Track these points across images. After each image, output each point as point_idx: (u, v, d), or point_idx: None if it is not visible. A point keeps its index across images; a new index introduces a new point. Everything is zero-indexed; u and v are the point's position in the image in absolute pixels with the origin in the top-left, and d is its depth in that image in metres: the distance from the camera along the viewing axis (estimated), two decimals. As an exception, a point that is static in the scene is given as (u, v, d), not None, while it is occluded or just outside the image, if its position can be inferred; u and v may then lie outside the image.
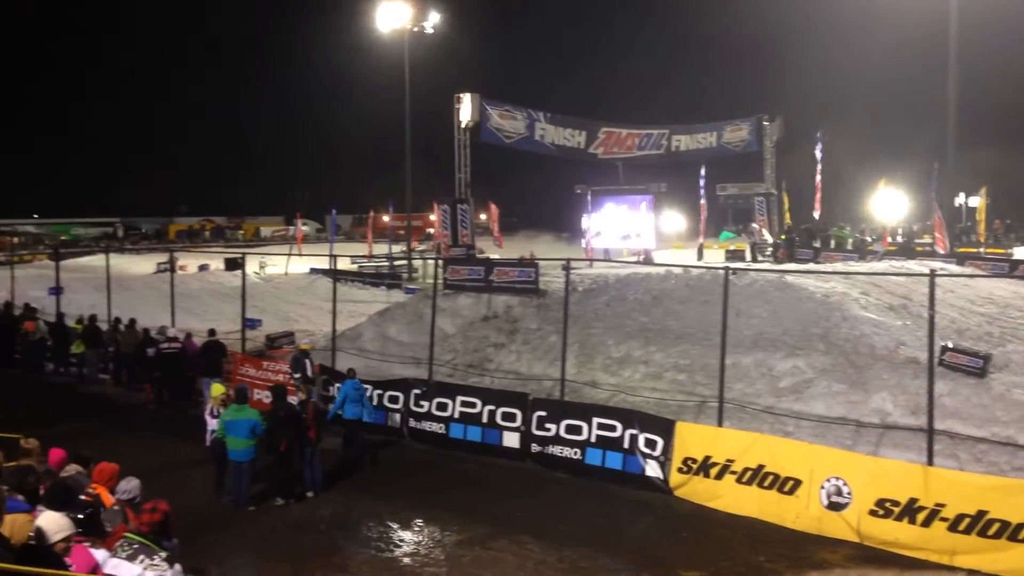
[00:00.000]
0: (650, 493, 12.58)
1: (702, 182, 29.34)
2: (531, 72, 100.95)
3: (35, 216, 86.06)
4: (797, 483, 11.31)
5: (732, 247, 37.16)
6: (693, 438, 12.51)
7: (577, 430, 13.61)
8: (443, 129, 28.32)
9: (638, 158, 32.87)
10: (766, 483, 11.57)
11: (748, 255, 34.00)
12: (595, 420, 13.49)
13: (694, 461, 12.29)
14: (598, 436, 13.38)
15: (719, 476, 12.01)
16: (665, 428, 12.78)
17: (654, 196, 36.26)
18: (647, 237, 35.24)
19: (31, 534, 5.39)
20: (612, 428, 13.25)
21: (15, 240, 70.13)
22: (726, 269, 14.18)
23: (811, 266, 24.19)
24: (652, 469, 12.73)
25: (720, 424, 12.72)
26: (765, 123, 35.62)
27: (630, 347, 16.59)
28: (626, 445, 13.04)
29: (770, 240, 34.02)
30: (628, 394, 15.16)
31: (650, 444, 12.79)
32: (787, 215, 36.14)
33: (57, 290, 24.67)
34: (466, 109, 26.46)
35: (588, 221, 36.93)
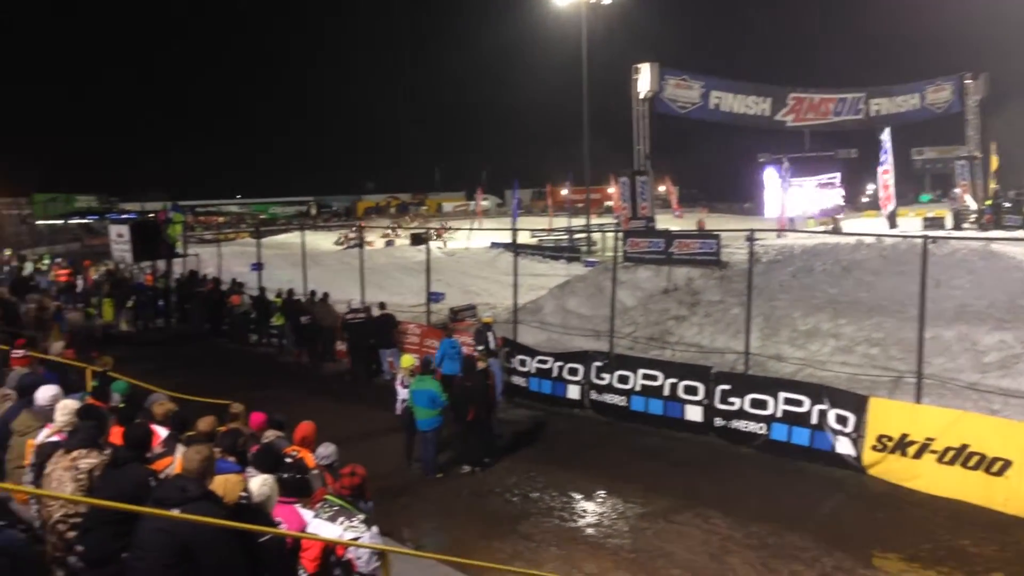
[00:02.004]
0: (840, 471, 12.10)
1: (884, 144, 27.59)
2: (711, 39, 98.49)
3: (238, 196, 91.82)
4: (1007, 464, 10.56)
5: (931, 214, 35.01)
6: (889, 415, 11.92)
7: (762, 404, 13.25)
8: (621, 100, 28.05)
9: (834, 124, 31.29)
10: (971, 463, 10.88)
11: (950, 222, 32.01)
12: (781, 395, 13.08)
13: (889, 439, 11.71)
14: (784, 411, 12.97)
15: (917, 455, 11.39)
16: (857, 404, 12.24)
17: (844, 163, 34.69)
18: (836, 205, 33.77)
19: (243, 493, 5.74)
20: (799, 403, 12.82)
21: (220, 219, 75.15)
22: (924, 238, 13.36)
23: (1020, 233, 22.51)
24: (843, 446, 12.23)
25: (918, 401, 12.07)
26: (967, 81, 33.28)
27: (818, 320, 16.00)
28: (814, 421, 12.58)
29: (974, 206, 31.85)
30: (816, 368, 14.64)
31: (841, 420, 12.29)
32: (992, 179, 33.67)
33: (258, 266, 26.17)
34: (644, 79, 26.06)
35: (772, 190, 35.74)
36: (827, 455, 12.37)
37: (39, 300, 23.65)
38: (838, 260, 18.83)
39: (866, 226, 32.84)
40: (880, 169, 29.02)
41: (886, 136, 28.30)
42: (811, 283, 17.95)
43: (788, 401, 12.96)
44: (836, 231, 28.97)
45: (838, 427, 12.30)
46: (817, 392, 12.79)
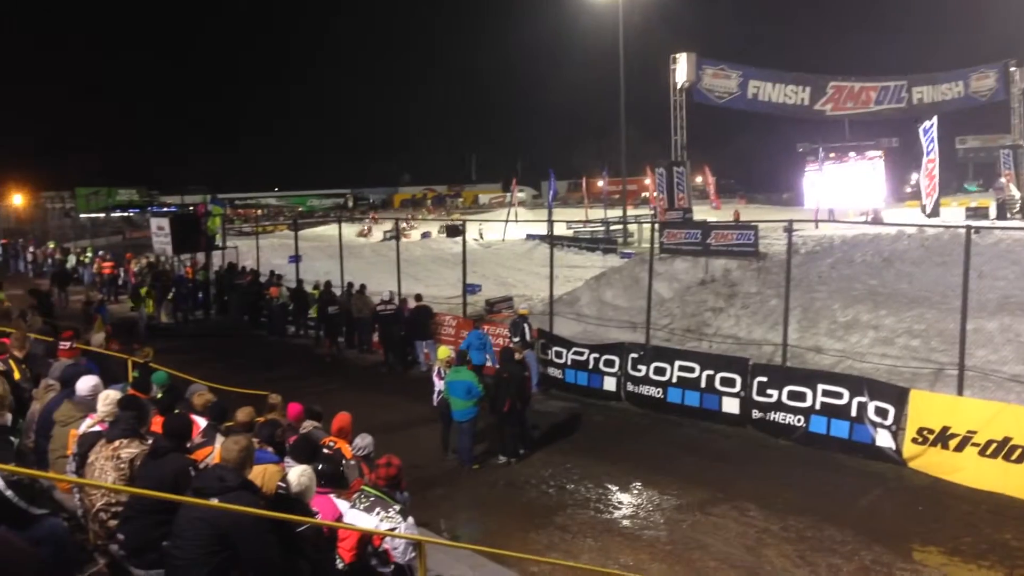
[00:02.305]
0: (880, 464, 11.94)
1: (924, 132, 27.07)
2: (748, 29, 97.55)
3: (276, 189, 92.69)
4: (1050, 458, 10.38)
5: (974, 204, 34.43)
6: (929, 407, 11.75)
7: (800, 397, 13.12)
8: (658, 92, 27.92)
9: (875, 113, 30.75)
10: (1013, 456, 10.69)
11: (993, 212, 31.46)
12: (820, 387, 12.94)
13: (930, 431, 11.55)
14: (823, 403, 12.83)
15: (959, 448, 11.22)
16: (897, 396, 12.07)
17: (884, 152, 34.19)
18: (876, 196, 33.28)
19: (281, 484, 5.81)
20: (838, 395, 12.67)
21: (259, 212, 75.91)
22: (967, 227, 13.11)
23: (1066, 223, 22.06)
24: (882, 439, 12.08)
25: (960, 393, 11.87)
26: (1012, 69, 32.61)
27: (857, 311, 15.83)
28: (854, 413, 12.43)
29: (1018, 195, 31.25)
30: (856, 360, 14.47)
31: (880, 413, 12.13)
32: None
33: (296, 258, 26.37)
34: (682, 69, 25.89)
35: (811, 180, 35.36)
36: (866, 448, 12.22)
37: (85, 293, 24.05)
38: (879, 251, 18.63)
39: (907, 216, 32.39)
40: (925, 159, 28.54)
41: (931, 125, 27.77)
42: (851, 274, 17.76)
43: (827, 393, 12.81)
44: (877, 221, 28.60)
45: (878, 419, 12.15)
46: (857, 384, 12.63)
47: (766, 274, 18.34)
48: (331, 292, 22.43)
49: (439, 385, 13.51)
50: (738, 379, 14.00)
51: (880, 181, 34.29)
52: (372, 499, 6.63)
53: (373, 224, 56.46)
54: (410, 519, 6.58)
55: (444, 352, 14.14)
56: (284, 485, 5.83)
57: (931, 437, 11.53)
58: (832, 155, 35.46)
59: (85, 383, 7.74)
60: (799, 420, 13.09)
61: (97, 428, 6.86)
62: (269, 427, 7.74)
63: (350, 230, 54.45)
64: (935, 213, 28.83)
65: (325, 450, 7.78)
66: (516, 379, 12.86)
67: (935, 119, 27.65)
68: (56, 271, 32.66)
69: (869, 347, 14.79)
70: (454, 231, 46.72)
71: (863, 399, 12.34)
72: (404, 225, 55.19)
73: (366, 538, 6.32)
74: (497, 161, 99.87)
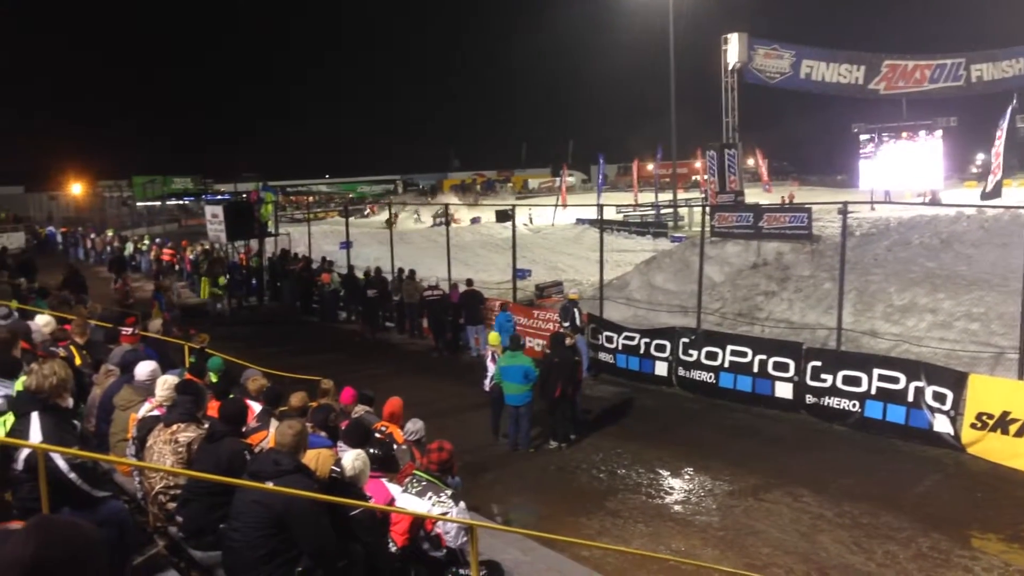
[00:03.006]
0: (937, 449, 11.74)
1: (1010, 112, 26.22)
2: (801, 6, 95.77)
3: (327, 176, 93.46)
4: (1115, 444, 10.12)
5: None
6: (989, 392, 11.50)
7: (855, 381, 12.93)
8: (709, 73, 27.60)
9: (931, 92, 30.01)
10: (1077, 443, 10.45)
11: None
12: (875, 371, 12.74)
13: (990, 417, 11.31)
14: (879, 388, 12.64)
15: (1019, 433, 10.98)
16: (956, 381, 11.84)
17: (943, 132, 33.32)
18: (934, 177, 32.46)
19: (335, 468, 5.88)
20: (895, 380, 12.46)
21: (310, 199, 76.61)
22: (1028, 208, 12.79)
23: None
24: (940, 424, 11.86)
25: (1021, 377, 11.61)
26: (1077, 43, 31.63)
27: (914, 294, 15.52)
28: (910, 398, 12.22)
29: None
30: (912, 344, 14.22)
31: (938, 397, 11.91)
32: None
33: (347, 244, 26.59)
34: (733, 50, 25.56)
35: (867, 162, 34.64)
36: (924, 433, 12.02)
37: (159, 282, 24.59)
38: (936, 233, 18.25)
39: (967, 198, 31.62)
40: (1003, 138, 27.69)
41: (1014, 104, 26.93)
42: (907, 257, 17.43)
43: (883, 378, 12.61)
44: (935, 203, 28.00)
45: (935, 404, 11.93)
46: (914, 368, 12.41)
47: (820, 257, 18.08)
48: (381, 277, 22.61)
49: (492, 370, 13.54)
50: (791, 364, 13.85)
51: (938, 162, 33.46)
52: (424, 483, 6.67)
53: (373, 214, 56.95)
54: (462, 504, 6.62)
55: (496, 338, 14.17)
56: (338, 469, 5.90)
57: (991, 422, 11.30)
58: (888, 135, 34.68)
59: (144, 368, 7.90)
60: (854, 405, 12.91)
61: (155, 412, 7.00)
62: (322, 412, 7.83)
63: (375, 220, 54.84)
64: (996, 194, 28.08)
65: (377, 435, 7.86)
66: (567, 364, 12.86)
67: (1015, 98, 26.91)
68: (114, 258, 33.30)
69: (927, 331, 14.52)
70: (504, 216, 46.68)
71: (920, 384, 12.13)
72: (417, 215, 55.87)
73: (418, 522, 6.37)
74: (547, 145, 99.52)
